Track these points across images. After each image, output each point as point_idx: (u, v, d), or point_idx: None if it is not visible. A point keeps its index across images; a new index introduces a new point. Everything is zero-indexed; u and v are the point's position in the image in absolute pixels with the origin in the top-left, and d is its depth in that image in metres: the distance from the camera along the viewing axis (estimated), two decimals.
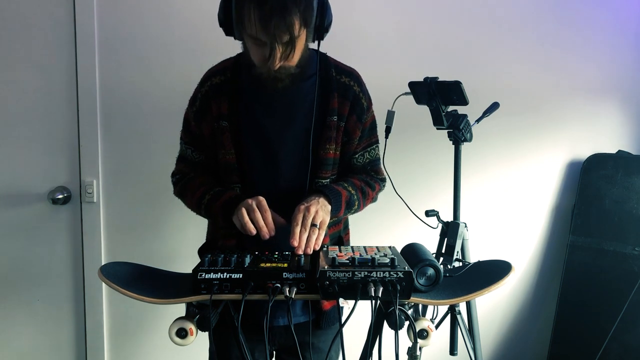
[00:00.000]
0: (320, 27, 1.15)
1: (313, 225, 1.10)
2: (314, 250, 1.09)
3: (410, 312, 1.03)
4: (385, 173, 1.45)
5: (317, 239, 1.10)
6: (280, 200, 1.21)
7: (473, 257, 1.63)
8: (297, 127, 1.26)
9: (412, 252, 1.10)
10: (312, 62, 1.26)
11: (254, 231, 1.11)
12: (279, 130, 1.26)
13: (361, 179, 1.34)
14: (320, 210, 1.14)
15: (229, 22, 1.14)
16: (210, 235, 1.40)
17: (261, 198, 1.15)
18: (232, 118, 1.25)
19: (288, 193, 1.27)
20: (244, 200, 1.16)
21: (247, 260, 1.03)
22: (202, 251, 1.35)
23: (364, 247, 1.14)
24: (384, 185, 1.44)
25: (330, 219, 1.19)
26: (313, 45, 1.23)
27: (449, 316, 1.68)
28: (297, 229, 1.09)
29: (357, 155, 1.35)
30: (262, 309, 1.26)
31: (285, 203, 1.19)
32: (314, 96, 1.25)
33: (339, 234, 1.36)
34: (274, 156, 1.26)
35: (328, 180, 1.30)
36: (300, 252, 1.07)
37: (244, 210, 1.12)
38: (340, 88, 1.27)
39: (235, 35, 1.16)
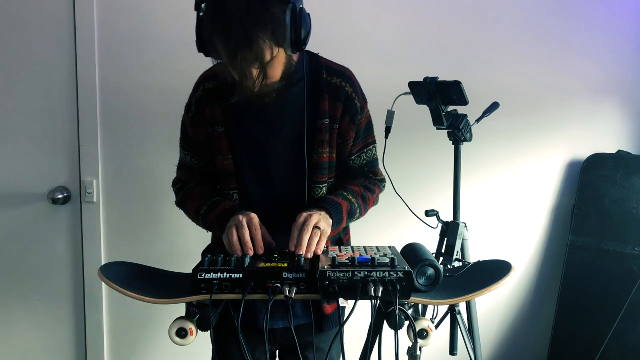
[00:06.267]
0: (297, 41, 1.08)
1: (316, 227, 1.09)
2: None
3: (410, 312, 1.03)
4: (384, 174, 1.43)
5: (319, 243, 1.08)
6: (276, 207, 1.19)
7: (473, 257, 1.63)
8: (287, 132, 1.24)
9: (412, 252, 1.10)
10: (301, 66, 1.23)
11: (239, 253, 1.07)
12: (269, 137, 1.24)
13: (360, 184, 1.32)
14: (323, 220, 1.12)
15: (204, 49, 1.09)
16: (216, 238, 1.38)
17: (253, 215, 1.12)
18: (227, 124, 1.24)
19: (283, 200, 1.26)
20: (235, 216, 1.13)
21: (247, 260, 1.03)
22: (206, 253, 1.32)
23: (364, 247, 1.14)
24: (383, 187, 1.42)
25: (333, 232, 1.17)
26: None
27: (449, 316, 1.68)
28: (296, 233, 1.08)
29: (353, 157, 1.32)
30: (261, 312, 1.27)
31: (280, 210, 1.18)
32: (303, 100, 1.22)
33: (339, 236, 1.35)
34: (266, 163, 1.25)
35: (325, 185, 1.27)
36: (301, 253, 1.06)
37: (234, 229, 1.09)
38: (331, 90, 1.24)
39: (215, 57, 1.12)
